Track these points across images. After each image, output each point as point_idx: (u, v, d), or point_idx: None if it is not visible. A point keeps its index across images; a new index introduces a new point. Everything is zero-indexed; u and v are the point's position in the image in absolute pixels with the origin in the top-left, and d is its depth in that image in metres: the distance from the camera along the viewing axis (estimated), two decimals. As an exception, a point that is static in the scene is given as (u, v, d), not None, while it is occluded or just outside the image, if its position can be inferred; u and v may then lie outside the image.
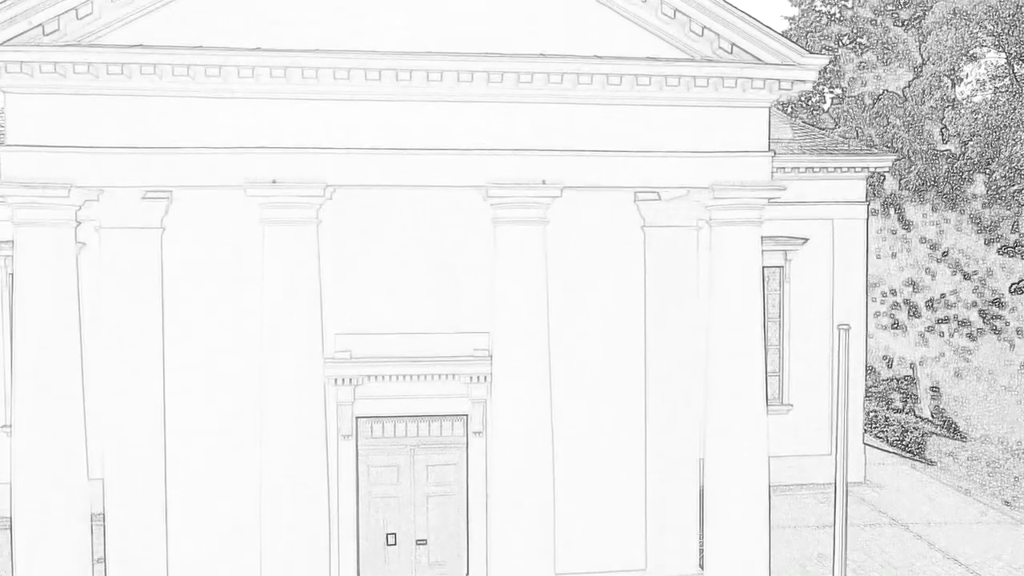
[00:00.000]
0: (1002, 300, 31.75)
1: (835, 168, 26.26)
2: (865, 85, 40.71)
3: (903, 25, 40.52)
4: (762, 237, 15.29)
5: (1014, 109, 28.81)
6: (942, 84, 30.03)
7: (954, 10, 29.43)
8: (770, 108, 14.69)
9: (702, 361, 16.22)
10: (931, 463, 28.26)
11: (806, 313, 26.59)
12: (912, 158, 31.66)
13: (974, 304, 31.09)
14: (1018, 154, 27.98)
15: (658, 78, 13.99)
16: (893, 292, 34.37)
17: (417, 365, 16.65)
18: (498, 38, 14.12)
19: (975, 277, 32.29)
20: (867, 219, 27.15)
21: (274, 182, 13.78)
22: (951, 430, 29.49)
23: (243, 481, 16.23)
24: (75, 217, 13.91)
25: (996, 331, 32.22)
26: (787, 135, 26.56)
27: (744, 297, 15.38)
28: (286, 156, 13.85)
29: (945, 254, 32.70)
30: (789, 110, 43.17)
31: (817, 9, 44.32)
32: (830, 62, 43.58)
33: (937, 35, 30.39)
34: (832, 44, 42.69)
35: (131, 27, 13.51)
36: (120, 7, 13.34)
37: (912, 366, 34.24)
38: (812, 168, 26.22)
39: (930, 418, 32.88)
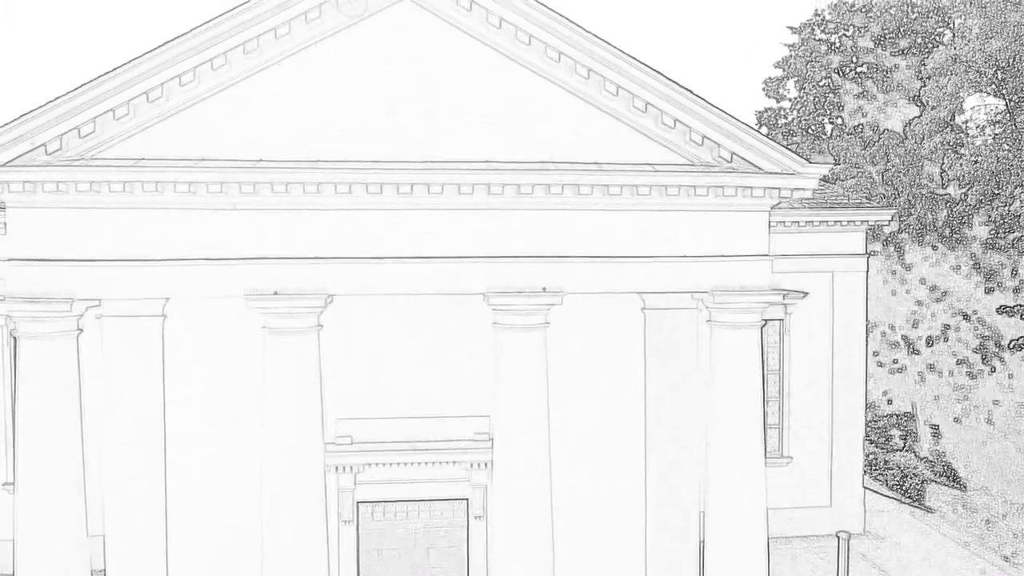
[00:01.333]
0: (1000, 341, 31.81)
1: (835, 222, 26.30)
2: (865, 116, 40.72)
3: (902, 53, 40.46)
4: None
5: (1013, 156, 28.81)
6: (942, 129, 30.02)
7: (954, 56, 29.40)
8: (769, 211, 14.72)
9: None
10: (931, 510, 28.32)
11: (806, 365, 26.65)
12: (912, 200, 31.67)
13: (977, 349, 31.14)
14: (1016, 207, 28.01)
15: (658, 188, 14.02)
16: (892, 330, 34.45)
17: (418, 454, 16.73)
18: (501, 145, 14.16)
19: (974, 318, 32.35)
20: (867, 271, 27.19)
21: (275, 293, 13.83)
22: (950, 478, 29.55)
23: (244, 561, 16.34)
24: (77, 325, 13.98)
25: (994, 370, 32.29)
26: (787, 188, 26.57)
27: (744, 388, 15.44)
28: (287, 267, 13.89)
29: (945, 294, 32.75)
30: (790, 143, 43.20)
31: (817, 38, 44.22)
32: (830, 92, 43.53)
33: (937, 81, 30.36)
34: (831, 74, 42.65)
35: (133, 141, 13.56)
36: (122, 123, 13.38)
37: (912, 404, 34.32)
38: (812, 222, 26.27)
39: (929, 457, 32.96)
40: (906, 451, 34.78)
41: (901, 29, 41.55)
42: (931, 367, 33.91)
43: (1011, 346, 27.79)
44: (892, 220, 27.24)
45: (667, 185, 13.99)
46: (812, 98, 43.46)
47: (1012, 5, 28.54)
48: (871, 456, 32.39)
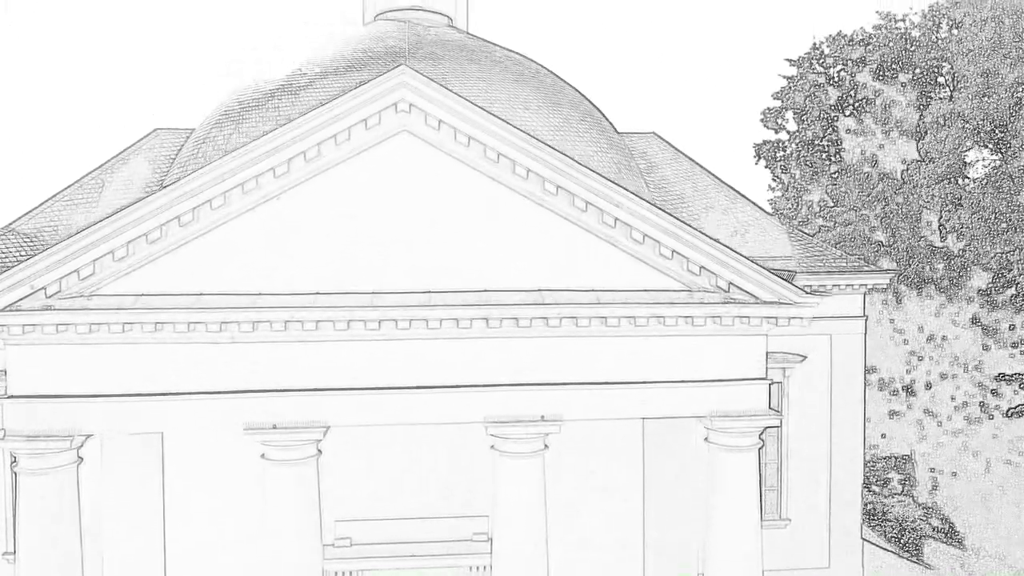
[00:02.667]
0: (999, 391, 31.88)
1: (833, 286, 26.35)
2: (864, 154, 40.70)
3: (902, 87, 40.39)
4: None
5: (1008, 209, 28.83)
6: (940, 182, 30.00)
7: (952, 111, 29.37)
8: (767, 335, 14.77)
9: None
10: (929, 567, 28.46)
11: (804, 427, 26.72)
12: (910, 251, 31.69)
13: (980, 403, 31.20)
14: (1012, 259, 28.05)
15: (656, 318, 14.07)
16: (892, 380, 34.54)
17: (416, 560, 16.84)
18: (500, 272, 14.20)
19: (971, 368, 32.41)
20: (865, 333, 27.25)
21: (274, 427, 13.90)
22: (948, 534, 29.66)
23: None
24: (77, 456, 14.05)
25: (991, 418, 32.37)
26: (785, 251, 26.61)
27: (741, 502, 15.55)
28: (285, 399, 13.96)
29: (944, 339, 32.81)
30: (786, 180, 43.16)
31: (816, 71, 44.12)
32: (828, 129, 43.48)
33: (935, 134, 30.32)
34: (829, 110, 42.56)
35: (132, 277, 13.60)
36: (120, 261, 13.42)
37: (911, 451, 34.41)
38: (811, 286, 26.30)
39: (928, 505, 33.07)
40: (904, 495, 34.91)
41: (900, 62, 41.53)
42: (928, 413, 34.00)
43: (1008, 414, 27.86)
44: (890, 284, 27.27)
45: (664, 316, 14.04)
46: (810, 133, 43.48)
47: (1009, 62, 28.51)
48: (869, 505, 32.53)
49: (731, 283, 14.25)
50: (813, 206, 41.87)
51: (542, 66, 26.09)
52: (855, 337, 27.45)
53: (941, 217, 30.20)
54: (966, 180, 29.67)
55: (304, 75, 22.14)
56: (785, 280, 14.01)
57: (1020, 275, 27.47)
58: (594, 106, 25.95)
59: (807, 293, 14.15)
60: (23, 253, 21.88)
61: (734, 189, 29.18)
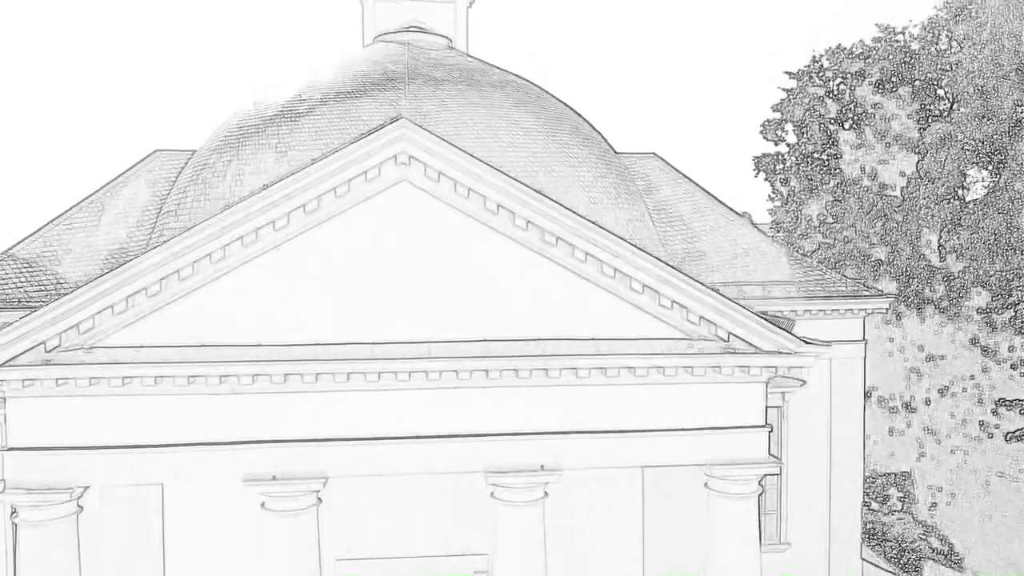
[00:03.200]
0: (997, 411, 31.90)
1: (833, 311, 26.34)
2: (864, 168, 40.64)
3: (901, 100, 40.33)
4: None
5: (1007, 231, 28.82)
6: (940, 202, 29.99)
7: (951, 133, 29.35)
8: (767, 383, 14.78)
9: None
10: (928, 588, 28.49)
11: (804, 451, 26.75)
12: (910, 271, 31.68)
13: (980, 421, 31.22)
14: (1010, 281, 28.06)
15: (655, 368, 14.08)
16: (892, 397, 34.56)
17: (417, 603, 16.87)
18: (499, 321, 14.21)
19: (971, 385, 32.44)
20: (864, 357, 27.25)
21: (274, 478, 13.91)
22: (947, 556, 29.71)
23: None
24: (76, 506, 14.06)
25: (991, 436, 32.39)
26: (784, 275, 26.60)
27: (741, 546, 15.56)
28: (285, 449, 13.97)
29: (943, 358, 32.82)
30: (785, 193, 43.09)
31: (815, 83, 44.03)
32: (827, 144, 43.40)
33: (934, 155, 30.30)
34: (828, 124, 42.51)
35: (131, 329, 13.60)
36: (120, 314, 13.41)
37: (911, 469, 34.45)
38: (810, 311, 26.31)
39: (928, 524, 33.11)
40: (904, 512, 34.97)
41: (900, 75, 41.50)
42: (928, 430, 34.03)
43: (1008, 438, 27.88)
44: (890, 308, 27.24)
45: (664, 367, 14.05)
46: (810, 147, 43.42)
47: (1008, 84, 28.46)
48: (869, 524, 32.57)
49: (731, 333, 14.25)
50: (813, 220, 41.86)
51: (542, 89, 26.10)
52: (855, 361, 27.46)
53: (941, 238, 30.18)
54: (965, 201, 29.66)
55: (303, 101, 22.11)
56: (784, 329, 14.01)
57: (1020, 301, 27.49)
58: (593, 128, 25.91)
59: (806, 343, 14.15)
60: (22, 279, 21.86)
61: (733, 210, 29.18)
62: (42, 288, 21.62)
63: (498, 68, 25.82)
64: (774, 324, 13.95)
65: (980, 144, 27.90)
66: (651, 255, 13.93)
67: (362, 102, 21.55)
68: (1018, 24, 27.59)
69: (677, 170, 28.45)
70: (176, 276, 13.39)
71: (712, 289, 14.02)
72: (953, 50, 40.13)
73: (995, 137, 27.47)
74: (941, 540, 30.54)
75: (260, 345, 13.69)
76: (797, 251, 38.75)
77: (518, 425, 14.37)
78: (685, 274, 14.04)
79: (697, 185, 29.31)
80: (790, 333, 14.08)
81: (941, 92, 40.14)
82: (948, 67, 39.04)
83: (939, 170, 29.50)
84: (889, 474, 36.50)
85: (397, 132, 13.56)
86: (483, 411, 14.28)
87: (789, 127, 45.55)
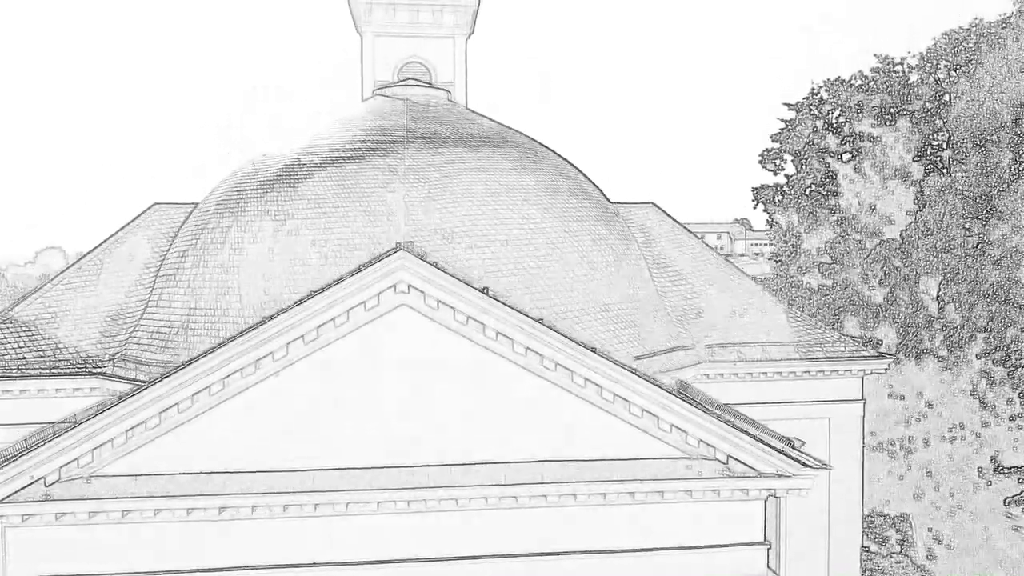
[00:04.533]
0: (997, 457, 32.00)
1: (832, 372, 26.39)
2: (862, 206, 40.53)
3: (899, 133, 40.24)
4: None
5: (1008, 284, 28.87)
6: (938, 256, 30.02)
7: (949, 183, 29.36)
8: (765, 500, 14.82)
9: None
10: (924, 639, 28.65)
11: (803, 507, 26.89)
12: (908, 320, 31.73)
13: (979, 467, 31.36)
14: (1009, 336, 28.13)
15: (654, 493, 14.12)
16: (891, 443, 34.65)
17: None
18: (498, 443, 14.23)
19: (969, 433, 32.53)
20: (863, 415, 27.31)
21: (278, 605, 13.95)
22: (944, 607, 29.85)
23: None
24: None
25: (990, 484, 32.50)
26: (783, 335, 26.62)
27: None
28: (285, 574, 13.99)
29: (942, 404, 32.91)
30: (784, 225, 43.01)
31: (814, 115, 43.86)
32: (826, 178, 43.21)
33: (932, 209, 30.33)
34: (827, 157, 42.34)
35: (132, 457, 13.62)
36: (118, 447, 13.43)
37: (909, 514, 34.58)
38: (809, 372, 26.36)
39: (926, 569, 33.26)
40: (902, 555, 35.16)
41: (899, 107, 41.42)
42: (928, 474, 34.14)
43: (1006, 503, 28.00)
44: (888, 367, 27.22)
45: (663, 491, 14.10)
46: (808, 180, 43.27)
47: (1008, 140, 28.45)
48: (868, 571, 32.73)
49: (730, 456, 14.29)
50: (812, 254, 41.81)
51: (543, 145, 26.15)
52: (854, 420, 27.53)
53: (939, 290, 30.21)
54: (964, 252, 29.65)
55: (302, 165, 22.08)
56: (783, 452, 14.04)
57: (1019, 360, 27.55)
58: (589, 180, 25.91)
59: (805, 466, 14.19)
60: (21, 343, 21.80)
61: (732, 263, 29.20)
62: (40, 354, 21.57)
63: (497, 122, 25.77)
64: (774, 446, 13.98)
65: (978, 200, 27.94)
66: (650, 381, 13.95)
67: (361, 168, 21.51)
68: (1015, 80, 27.56)
69: (675, 220, 28.46)
70: (176, 408, 13.39)
71: (711, 410, 14.05)
72: (952, 76, 40.16)
73: (993, 192, 27.49)
74: (938, 589, 30.71)
75: (259, 471, 13.70)
76: (798, 293, 38.78)
77: (516, 546, 14.42)
78: (684, 397, 14.07)
79: (695, 236, 29.34)
80: (790, 457, 14.12)
81: (940, 123, 40.10)
82: (947, 96, 39.09)
83: (938, 223, 29.53)
84: (887, 515, 36.65)
85: (396, 263, 13.55)
86: (481, 533, 14.32)
87: (788, 157, 45.41)
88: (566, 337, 13.80)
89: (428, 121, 23.92)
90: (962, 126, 30.02)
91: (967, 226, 28.94)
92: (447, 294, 13.69)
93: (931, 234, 29.70)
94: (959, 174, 29.30)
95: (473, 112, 26.27)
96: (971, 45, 39.43)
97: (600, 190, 25.94)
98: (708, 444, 14.22)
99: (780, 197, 45.00)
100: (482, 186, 21.90)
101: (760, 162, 46.62)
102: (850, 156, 42.14)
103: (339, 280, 13.47)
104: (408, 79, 26.74)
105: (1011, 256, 27.82)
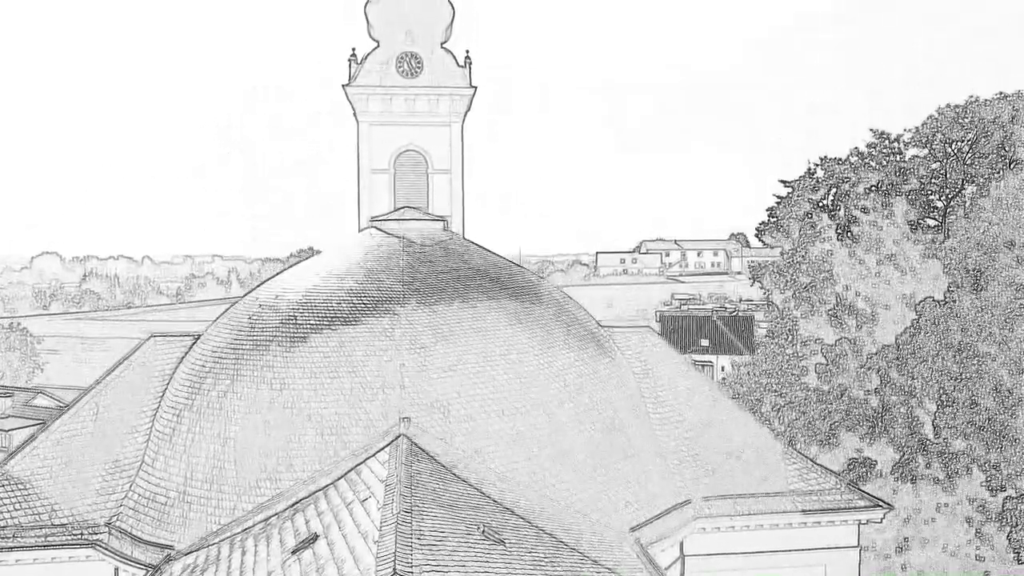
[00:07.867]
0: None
1: (828, 522, 26.38)
2: (859, 295, 40.44)
3: (896, 220, 40.14)
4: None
5: (1002, 411, 28.93)
6: (934, 376, 30.08)
7: (949, 313, 29.51)
8: None
9: None
10: None
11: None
12: (904, 442, 31.76)
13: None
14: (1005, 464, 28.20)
15: None
16: (886, 557, 34.57)
17: None
18: None
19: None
20: (859, 562, 27.23)
21: None
22: None
23: None
24: None
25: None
26: (780, 482, 26.60)
27: None
28: None
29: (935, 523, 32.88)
30: (780, 304, 42.61)
31: (808, 198, 43.48)
32: (822, 262, 42.91)
33: (931, 310, 30.43)
34: (821, 240, 42.08)
35: None
36: None
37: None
38: (806, 523, 26.33)
39: None
40: None
41: (895, 186, 41.40)
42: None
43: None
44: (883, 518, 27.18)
45: None
46: (805, 266, 42.82)
47: (1012, 258, 28.52)
48: None
49: None
50: (810, 342, 41.56)
51: (537, 276, 26.23)
52: (850, 567, 27.44)
53: (936, 418, 30.27)
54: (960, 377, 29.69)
55: (297, 324, 22.15)
56: None
57: (1016, 498, 27.59)
58: (585, 311, 25.98)
59: None
60: (15, 504, 21.61)
61: (730, 399, 29.01)
62: (36, 517, 21.42)
63: (495, 254, 25.82)
64: None
65: (985, 321, 28.03)
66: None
67: (357, 331, 21.56)
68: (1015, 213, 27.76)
69: (670, 346, 28.49)
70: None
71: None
72: (950, 151, 40.48)
73: (996, 310, 27.62)
74: None
75: None
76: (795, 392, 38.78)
77: None
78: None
79: (693, 367, 29.43)
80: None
81: (938, 203, 40.33)
82: (943, 171, 39.30)
83: (935, 347, 29.63)
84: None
85: None
86: None
87: (784, 231, 44.99)
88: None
89: (424, 266, 23.90)
90: (958, 256, 30.22)
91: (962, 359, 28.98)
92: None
93: (926, 361, 29.79)
94: (955, 301, 29.44)
95: (469, 243, 26.27)
96: (967, 121, 39.78)
97: (601, 326, 25.97)
98: None
99: (778, 277, 43.49)
100: (479, 347, 22.01)
101: (756, 235, 46.36)
102: (846, 235, 41.50)
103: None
104: (404, 208, 26.78)
105: (1012, 393, 27.89)
